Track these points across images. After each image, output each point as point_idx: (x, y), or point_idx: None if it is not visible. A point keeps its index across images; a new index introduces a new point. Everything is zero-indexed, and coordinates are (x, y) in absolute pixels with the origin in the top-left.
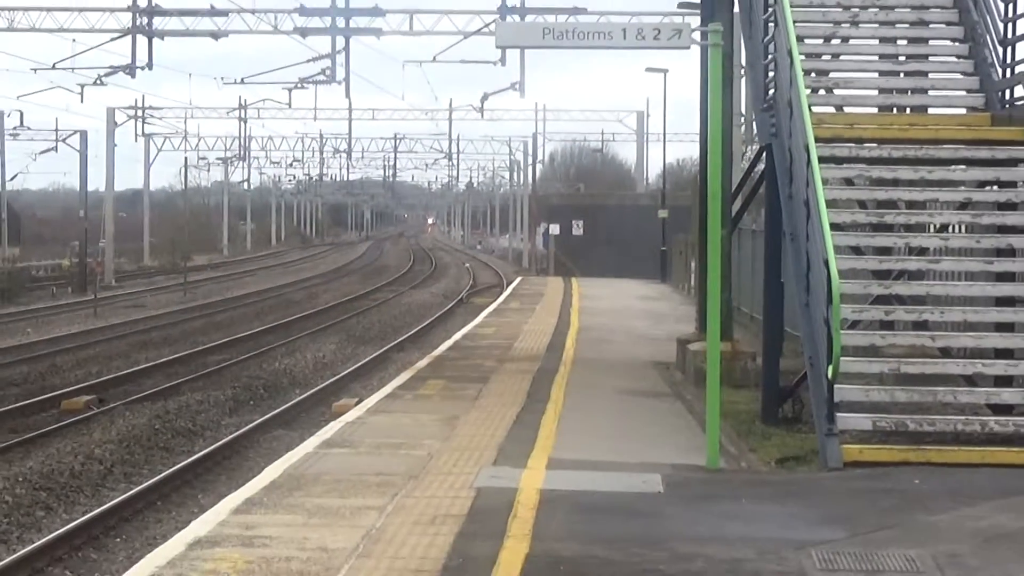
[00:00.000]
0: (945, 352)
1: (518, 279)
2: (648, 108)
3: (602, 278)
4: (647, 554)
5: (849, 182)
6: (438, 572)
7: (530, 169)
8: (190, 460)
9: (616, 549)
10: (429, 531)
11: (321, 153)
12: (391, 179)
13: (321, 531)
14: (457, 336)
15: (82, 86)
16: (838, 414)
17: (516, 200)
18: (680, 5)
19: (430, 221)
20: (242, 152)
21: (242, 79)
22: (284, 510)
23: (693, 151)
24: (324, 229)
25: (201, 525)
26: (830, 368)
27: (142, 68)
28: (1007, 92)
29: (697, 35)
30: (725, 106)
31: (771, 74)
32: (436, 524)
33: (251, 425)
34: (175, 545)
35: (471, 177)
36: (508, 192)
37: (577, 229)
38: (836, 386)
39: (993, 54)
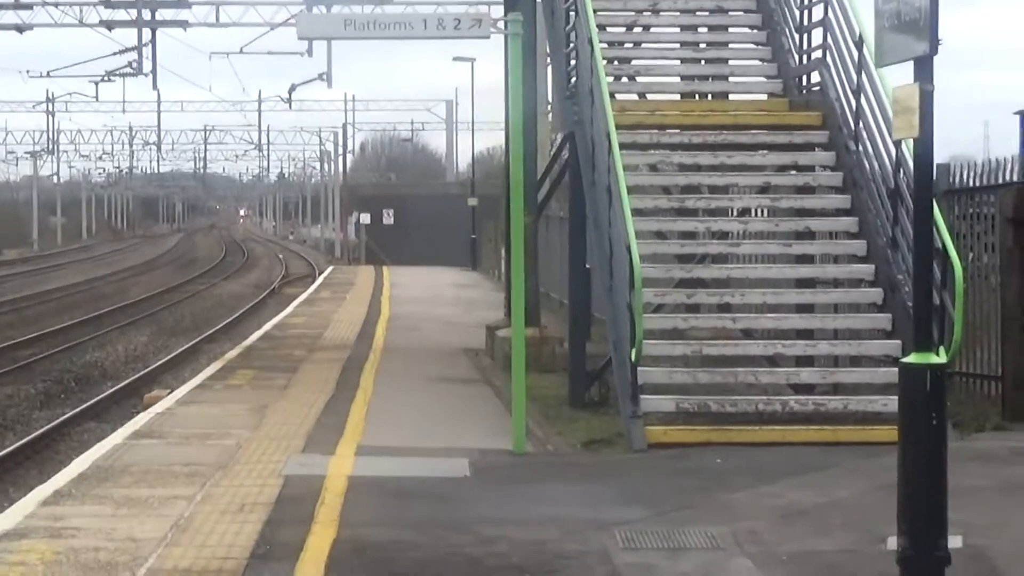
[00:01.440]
0: (747, 334)
1: (330, 268)
2: (457, 97)
3: (414, 267)
4: (452, 537)
5: (653, 168)
6: (245, 559)
7: (340, 159)
8: None
9: (422, 533)
10: (237, 519)
11: (131, 146)
12: (202, 171)
13: (130, 521)
14: (268, 326)
15: None
16: (642, 396)
17: (327, 190)
18: None
19: (242, 212)
20: (50, 146)
21: (48, 72)
22: (92, 501)
23: (503, 139)
24: (136, 222)
25: (8, 518)
26: (633, 351)
27: None
28: (804, 78)
29: (498, 24)
30: (529, 94)
31: (573, 62)
32: (244, 512)
33: (62, 419)
34: None
35: (282, 168)
36: (320, 182)
37: (388, 218)
38: (640, 369)
39: (790, 40)
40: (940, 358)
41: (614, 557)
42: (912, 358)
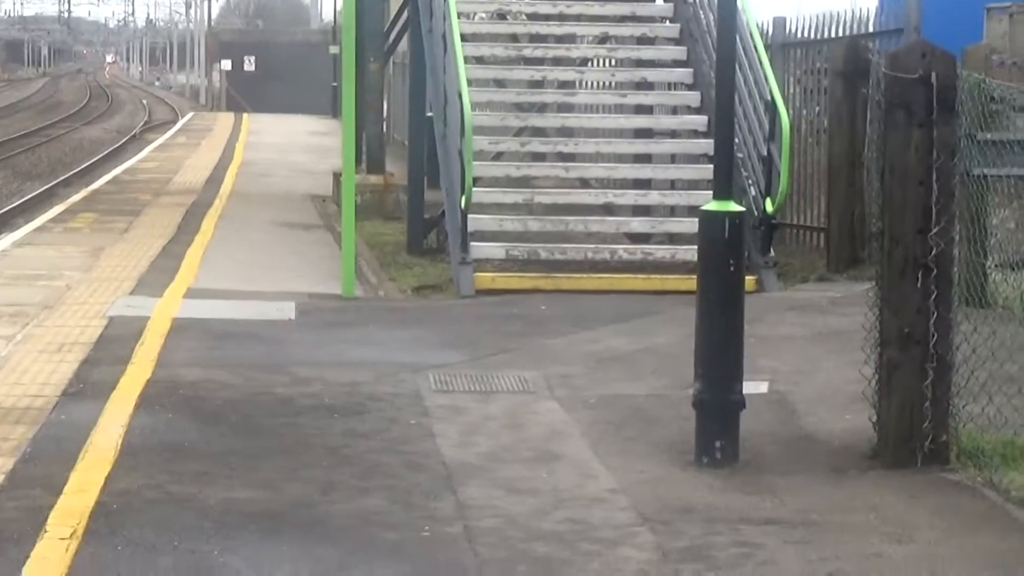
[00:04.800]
0: (585, 184)
1: (190, 115)
2: None
3: (275, 114)
4: (266, 378)
5: (500, 16)
6: (56, 397)
7: (205, 5)
8: None
9: (237, 374)
10: (55, 359)
11: None
12: (66, 15)
13: None
14: (117, 171)
15: None
16: (472, 243)
17: (193, 37)
18: None
19: (109, 59)
20: None
21: None
22: None
23: None
24: None
25: None
26: (463, 198)
27: None
28: None
29: None
30: None
31: None
32: (63, 352)
33: None
34: None
35: (148, 13)
36: (186, 29)
37: (249, 65)
38: (470, 216)
39: None
40: (739, 206)
41: (425, 399)
42: (711, 205)
